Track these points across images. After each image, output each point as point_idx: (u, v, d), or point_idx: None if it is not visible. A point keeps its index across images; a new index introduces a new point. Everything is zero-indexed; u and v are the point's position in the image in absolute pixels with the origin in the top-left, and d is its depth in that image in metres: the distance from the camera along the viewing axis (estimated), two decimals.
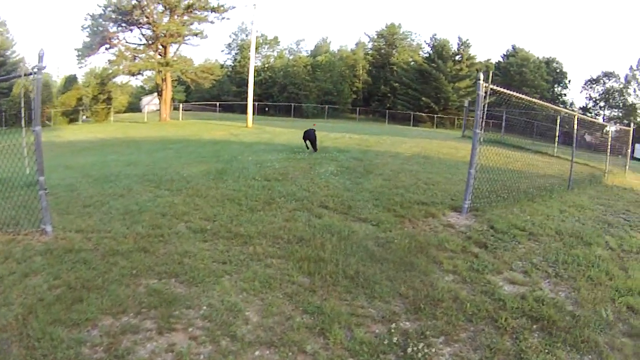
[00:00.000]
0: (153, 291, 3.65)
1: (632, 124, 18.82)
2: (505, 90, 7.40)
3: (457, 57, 61.74)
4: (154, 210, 6.03)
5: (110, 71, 38.80)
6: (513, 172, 8.88)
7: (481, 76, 6.57)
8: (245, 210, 6.14)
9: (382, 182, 8.62)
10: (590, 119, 15.49)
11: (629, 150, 17.45)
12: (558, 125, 17.41)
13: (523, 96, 8.47)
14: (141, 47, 39.13)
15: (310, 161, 10.93)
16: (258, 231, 5.22)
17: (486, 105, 6.76)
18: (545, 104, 11.43)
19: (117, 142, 18.98)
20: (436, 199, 7.44)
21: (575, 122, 10.89)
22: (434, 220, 6.14)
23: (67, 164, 11.58)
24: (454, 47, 62.32)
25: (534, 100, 9.39)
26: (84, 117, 42.66)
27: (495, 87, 6.99)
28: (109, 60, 38.58)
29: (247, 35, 65.87)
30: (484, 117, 6.70)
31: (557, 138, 17.74)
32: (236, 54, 76.17)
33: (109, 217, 5.76)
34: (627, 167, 16.54)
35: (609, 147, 13.57)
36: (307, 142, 13.44)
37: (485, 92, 6.69)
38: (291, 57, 76.45)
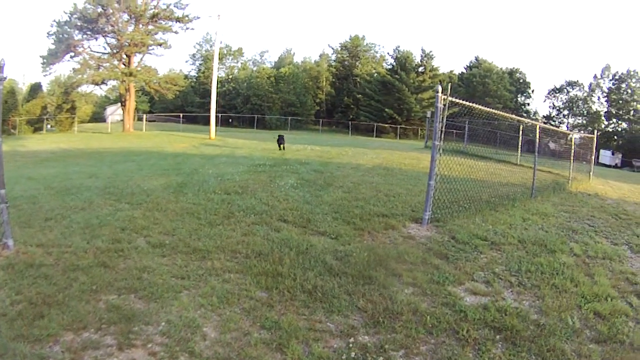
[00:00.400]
0: (113, 307, 3.60)
1: (595, 131, 19.57)
2: (465, 102, 7.52)
3: (420, 69, 63.43)
4: (114, 225, 5.93)
5: (74, 80, 38.22)
6: (475, 181, 9.04)
7: (439, 88, 6.70)
8: (205, 225, 6.07)
9: (342, 194, 8.63)
10: (553, 127, 16.03)
11: (593, 157, 18.07)
12: (521, 135, 17.93)
13: (484, 108, 8.66)
14: (105, 56, 38.84)
15: (271, 174, 10.89)
16: (216, 246, 5.16)
17: (445, 117, 6.81)
18: (506, 114, 11.73)
19: (80, 153, 18.49)
20: (396, 210, 7.49)
21: (537, 131, 11.20)
22: (394, 232, 6.16)
23: (30, 175, 11.25)
24: (417, 58, 64.06)
25: (494, 111, 9.60)
26: (49, 126, 41.73)
27: (454, 99, 7.07)
28: (73, 69, 38.22)
29: (211, 46, 66.02)
30: (445, 128, 6.76)
31: (520, 147, 18.24)
32: (200, 64, 76.40)
33: (70, 231, 5.65)
34: (592, 173, 17.15)
35: (572, 154, 14.00)
36: (280, 145, 18.19)
37: (444, 104, 6.76)
38: (255, 69, 77.25)
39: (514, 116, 13.09)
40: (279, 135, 20.06)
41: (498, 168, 12.41)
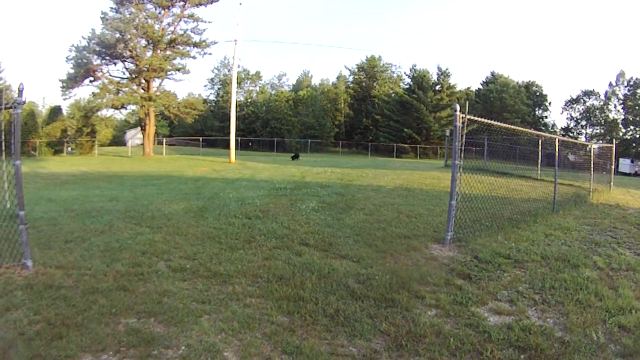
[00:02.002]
0: (132, 330, 3.62)
1: (614, 140, 19.23)
2: (483, 120, 7.53)
3: (437, 87, 63.40)
4: (134, 248, 6.02)
5: (94, 104, 38.92)
6: (496, 199, 8.96)
7: (457, 107, 6.68)
8: (225, 249, 6.12)
9: (364, 217, 8.64)
10: (572, 140, 15.75)
11: (613, 167, 17.72)
12: (540, 149, 17.77)
13: (502, 124, 8.64)
14: (124, 81, 39.54)
15: (292, 197, 10.95)
16: (237, 270, 5.19)
17: (464, 135, 6.80)
18: (525, 129, 11.69)
19: (100, 176, 18.84)
20: (418, 231, 7.48)
21: (557, 144, 11.08)
22: (416, 254, 6.13)
23: (50, 196, 11.48)
24: (434, 77, 64.11)
25: (512, 127, 9.58)
26: (69, 148, 42.71)
27: (473, 118, 7.06)
28: (93, 93, 38.93)
29: (229, 70, 67.28)
30: (464, 146, 6.75)
31: (540, 161, 18.06)
32: (219, 89, 77.82)
33: (90, 253, 5.75)
34: (612, 183, 16.81)
35: (592, 165, 13.78)
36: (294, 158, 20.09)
37: (463, 123, 6.75)
38: (273, 92, 78.42)
39: (532, 131, 13.03)
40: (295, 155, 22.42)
41: (519, 184, 12.30)
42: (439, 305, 4.34)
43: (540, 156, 18.05)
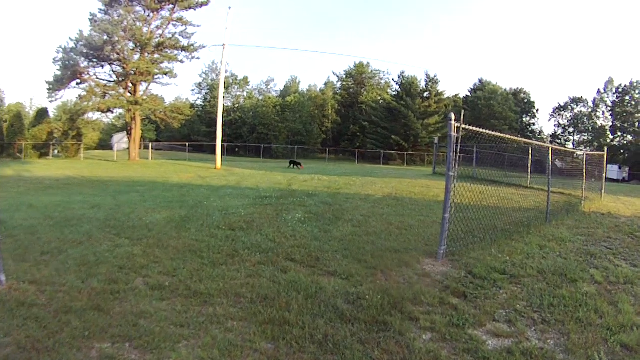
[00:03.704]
0: (106, 357, 3.40)
1: (606, 148, 19.29)
2: (479, 129, 7.33)
3: (425, 94, 63.76)
4: (111, 262, 5.75)
5: (80, 107, 38.44)
6: (487, 209, 8.80)
7: (452, 116, 6.41)
8: (207, 264, 5.83)
9: (352, 228, 8.39)
10: (565, 148, 15.69)
11: (604, 174, 17.75)
12: (530, 157, 17.74)
13: (497, 133, 8.51)
14: (111, 84, 39.16)
15: (278, 207, 10.67)
16: (219, 289, 4.90)
17: (458, 143, 6.58)
18: (519, 138, 11.62)
19: (85, 181, 18.34)
20: (409, 245, 7.25)
21: (550, 153, 10.95)
22: (408, 270, 5.88)
23: (32, 202, 11.14)
24: (422, 83, 64.50)
25: (507, 136, 9.44)
26: (55, 151, 42.11)
27: (468, 127, 6.87)
28: (79, 96, 38.49)
29: (217, 75, 67.17)
30: (454, 154, 6.53)
31: (529, 169, 18.02)
32: (206, 93, 77.53)
33: (66, 267, 5.50)
34: (603, 191, 16.82)
35: (584, 174, 13.71)
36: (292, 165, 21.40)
37: (457, 132, 6.54)
38: (261, 98, 78.21)
39: (528, 140, 12.92)
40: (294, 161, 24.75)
41: (509, 192, 12.17)
42: (435, 328, 4.09)
43: (530, 164, 18.02)
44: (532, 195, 12.99)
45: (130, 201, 11.78)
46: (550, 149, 11.16)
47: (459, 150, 6.52)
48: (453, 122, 6.41)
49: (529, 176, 18.11)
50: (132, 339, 3.69)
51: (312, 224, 8.73)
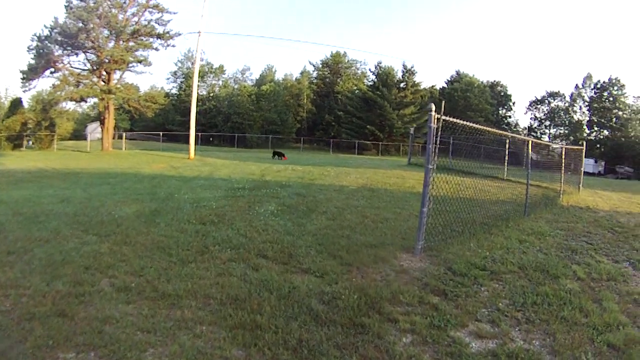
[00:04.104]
0: None
1: (582, 142, 19.50)
2: (461, 121, 7.12)
3: (401, 85, 63.87)
4: (77, 262, 5.42)
5: (53, 97, 37.14)
6: (465, 201, 8.64)
7: (432, 107, 6.17)
8: (176, 262, 5.54)
9: (326, 222, 8.14)
10: (544, 142, 15.70)
11: (582, 169, 17.93)
12: (507, 150, 17.79)
13: (480, 126, 8.41)
14: (85, 73, 37.95)
15: (250, 199, 10.34)
16: (188, 289, 4.61)
17: (438, 136, 6.36)
18: (500, 131, 11.53)
19: (57, 173, 17.58)
20: (386, 239, 7.03)
21: (530, 146, 10.89)
22: (385, 266, 5.66)
23: (2, 197, 10.65)
24: (399, 74, 64.50)
25: (489, 129, 9.32)
26: (30, 142, 40.78)
27: (449, 119, 6.65)
28: (52, 85, 37.13)
29: (192, 64, 65.80)
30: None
31: (506, 161, 18.08)
32: (181, 82, 75.84)
33: (31, 268, 5.21)
34: (581, 185, 17.00)
35: (562, 167, 13.75)
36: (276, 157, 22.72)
37: (437, 124, 6.29)
38: (236, 86, 76.99)
39: (510, 134, 12.86)
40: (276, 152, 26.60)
41: (486, 184, 12.04)
42: (415, 330, 3.88)
43: (507, 156, 18.08)
44: (509, 188, 12.93)
45: (101, 194, 11.34)
46: (530, 142, 11.10)
47: (438, 142, 6.30)
48: (433, 113, 6.16)
49: (506, 168, 18.16)
50: (97, 347, 3.45)
51: (285, 217, 8.45)
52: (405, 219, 8.69)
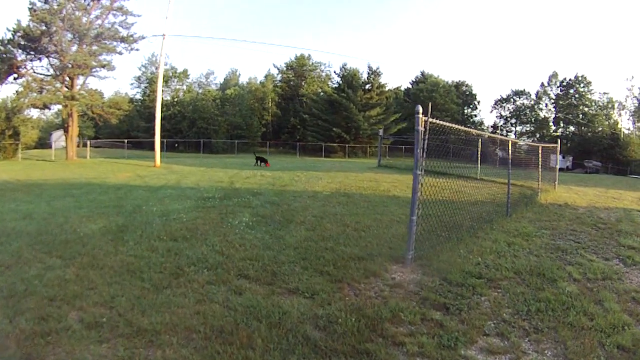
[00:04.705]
0: None
1: (558, 140, 19.82)
2: (446, 124, 6.88)
3: (367, 86, 64.50)
4: (41, 292, 4.80)
5: (15, 104, 35.97)
6: (444, 203, 8.33)
7: (420, 109, 5.86)
8: (149, 289, 4.98)
9: (306, 232, 7.75)
10: (527, 142, 15.74)
11: (557, 166, 18.17)
12: (479, 149, 17.81)
13: (463, 128, 8.40)
14: (48, 79, 36.50)
15: (222, 210, 9.87)
16: (166, 322, 4.10)
17: (425, 140, 6.09)
18: (482, 132, 11.54)
19: (20, 185, 16.45)
20: (372, 249, 6.70)
21: (510, 146, 10.85)
22: (377, 281, 5.33)
23: None
24: (364, 76, 65.16)
25: (473, 130, 9.29)
26: None
27: (436, 121, 6.37)
28: (16, 92, 35.83)
29: (157, 68, 64.67)
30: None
31: (479, 160, 18.10)
32: (145, 87, 74.56)
33: None
34: (557, 182, 17.25)
35: (539, 165, 13.81)
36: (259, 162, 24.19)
37: (425, 127, 6.01)
38: (200, 91, 76.77)
39: (491, 134, 12.87)
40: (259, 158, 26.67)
41: (461, 185, 11.89)
42: (425, 352, 3.58)
43: (479, 155, 18.10)
44: (485, 187, 12.87)
45: (65, 207, 10.58)
46: (510, 142, 11.08)
47: (426, 146, 6.04)
48: (421, 115, 5.86)
49: (479, 168, 18.17)
50: None
51: (262, 228, 8.03)
52: (387, 226, 8.43)
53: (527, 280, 5.44)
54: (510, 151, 10.75)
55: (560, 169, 44.99)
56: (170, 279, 5.30)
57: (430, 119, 6.05)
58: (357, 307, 4.40)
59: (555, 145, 17.97)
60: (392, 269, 5.78)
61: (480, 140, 16.84)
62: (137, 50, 42.47)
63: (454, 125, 7.33)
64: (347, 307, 4.42)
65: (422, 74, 75.97)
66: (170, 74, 73.59)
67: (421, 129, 5.89)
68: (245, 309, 4.44)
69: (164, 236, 7.37)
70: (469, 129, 8.87)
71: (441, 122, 6.58)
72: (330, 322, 4.11)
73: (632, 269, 6.23)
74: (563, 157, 52.60)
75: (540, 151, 13.97)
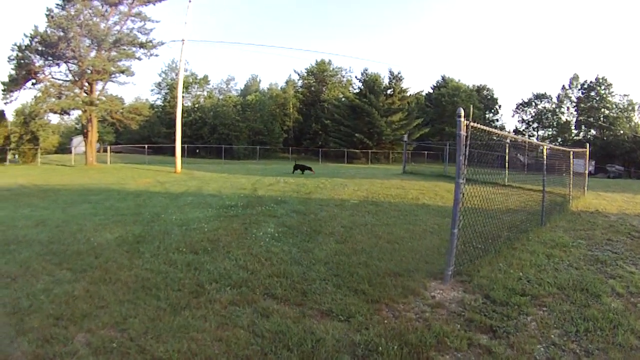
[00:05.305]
0: None
1: (587, 145, 19.24)
2: (486, 128, 6.58)
3: (388, 91, 64.20)
4: (47, 310, 4.49)
5: (33, 109, 36.43)
6: (475, 211, 7.97)
7: (462, 112, 5.54)
8: (166, 309, 4.58)
9: (336, 245, 7.39)
10: (559, 147, 15.22)
11: (587, 172, 17.65)
12: (507, 154, 17.35)
13: (502, 132, 8.05)
14: (67, 84, 36.95)
15: (245, 219, 9.59)
16: (183, 351, 3.73)
17: (468, 146, 5.79)
18: (517, 137, 11.13)
19: (36, 190, 16.55)
20: (408, 264, 6.34)
21: (545, 153, 10.47)
22: (417, 300, 4.99)
23: None
24: (385, 80, 64.91)
25: (512, 135, 8.97)
26: (15, 156, 40.45)
27: (478, 125, 6.08)
28: (34, 97, 36.52)
29: (177, 74, 65.64)
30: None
31: (507, 167, 17.65)
32: (166, 93, 75.68)
33: None
34: (586, 188, 16.73)
35: (571, 171, 13.34)
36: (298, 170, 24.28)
37: (467, 132, 5.67)
38: (221, 97, 77.47)
39: (525, 139, 12.45)
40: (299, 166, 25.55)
41: (490, 192, 11.44)
42: None
43: (507, 161, 17.66)
44: (514, 195, 12.44)
45: (81, 214, 10.45)
46: (545, 147, 10.67)
47: (467, 152, 5.72)
48: (463, 119, 5.49)
49: (507, 174, 17.68)
50: None
51: (288, 240, 7.70)
52: (421, 237, 8.10)
53: (571, 296, 5.13)
54: (545, 157, 10.34)
55: (578, 174, 44.07)
56: (189, 298, 4.92)
57: (473, 124, 5.73)
58: (398, 332, 4.07)
59: (584, 150, 17.41)
60: (431, 286, 5.45)
61: (508, 145, 16.43)
62: (156, 56, 42.82)
63: (496, 130, 7.01)
64: (387, 332, 4.09)
65: (443, 78, 75.34)
66: (191, 80, 74.60)
67: (463, 133, 5.55)
68: (273, 335, 4.05)
69: (184, 248, 7.06)
70: (511, 134, 8.55)
71: (484, 127, 6.29)
72: (370, 350, 3.75)
73: None
74: (580, 162, 51.59)
75: (571, 157, 13.50)
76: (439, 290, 5.29)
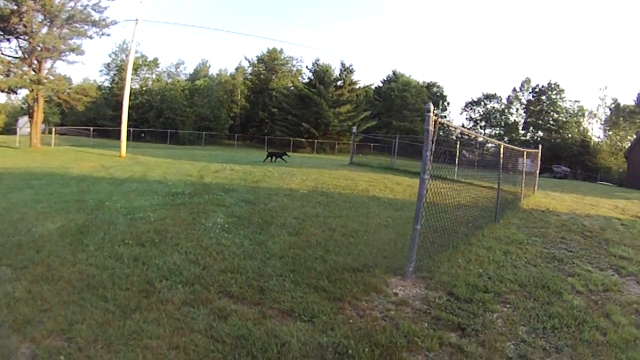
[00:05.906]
0: None
1: (540, 146, 19.91)
2: (455, 125, 6.53)
3: (339, 83, 64.64)
4: None
5: None
6: (438, 207, 7.92)
7: (431, 106, 5.41)
8: (114, 312, 4.09)
9: (290, 238, 7.07)
10: (514, 147, 15.49)
11: (537, 170, 18.23)
12: (458, 150, 17.63)
13: (473, 133, 7.94)
14: (16, 61, 34.80)
15: (193, 208, 9.10)
16: None
17: (434, 142, 5.67)
18: (488, 138, 11.27)
19: None
20: (366, 259, 6.12)
21: (502, 151, 10.63)
22: (379, 297, 4.78)
23: None
24: (336, 72, 65.53)
25: (480, 136, 8.99)
26: None
27: (446, 121, 6.00)
28: None
29: (127, 55, 63.15)
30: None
31: (457, 162, 17.93)
32: (114, 75, 73.63)
33: None
34: (536, 187, 17.39)
35: (523, 170, 13.69)
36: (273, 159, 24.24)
37: (435, 127, 5.54)
38: (170, 81, 76.27)
39: (494, 140, 12.60)
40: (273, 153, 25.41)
41: (439, 186, 11.43)
42: None
43: (457, 157, 17.95)
44: (464, 190, 12.59)
45: (22, 201, 9.57)
46: (502, 146, 10.85)
47: (434, 148, 5.63)
48: (431, 114, 5.35)
49: (457, 169, 17.97)
50: None
51: (239, 232, 7.30)
52: (376, 230, 7.96)
53: (533, 293, 5.22)
54: (502, 155, 10.50)
55: (530, 173, 45.99)
56: (139, 299, 4.45)
57: (440, 119, 5.62)
58: (366, 333, 3.85)
59: (537, 150, 18.02)
60: (392, 282, 5.28)
61: (458, 142, 16.69)
62: (108, 35, 40.95)
63: (463, 129, 7.01)
64: (354, 332, 3.85)
65: (394, 73, 76.70)
66: (141, 62, 73.05)
67: (431, 129, 5.41)
68: (234, 341, 3.69)
69: (130, 240, 6.52)
70: (479, 135, 8.55)
71: (451, 124, 6.22)
72: (340, 353, 3.50)
73: (628, 280, 6.23)
74: (532, 161, 53.80)
75: (525, 156, 13.85)
76: (400, 287, 5.14)
